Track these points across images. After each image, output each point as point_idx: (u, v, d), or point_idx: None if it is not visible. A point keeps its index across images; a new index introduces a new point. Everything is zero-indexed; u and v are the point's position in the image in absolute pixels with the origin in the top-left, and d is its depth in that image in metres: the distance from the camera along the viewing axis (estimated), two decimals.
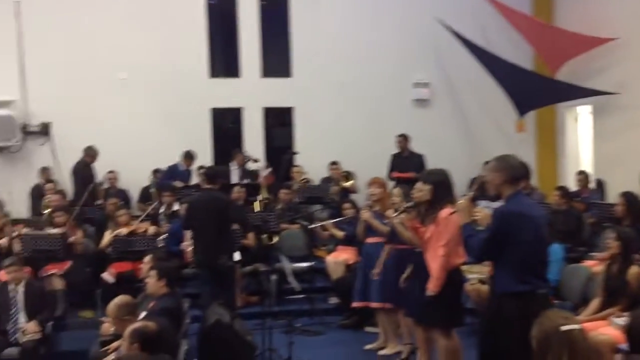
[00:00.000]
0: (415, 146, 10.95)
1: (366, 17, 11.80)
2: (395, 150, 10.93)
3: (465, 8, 11.78)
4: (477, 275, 6.87)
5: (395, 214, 5.93)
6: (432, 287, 5.32)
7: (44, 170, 10.37)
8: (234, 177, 10.48)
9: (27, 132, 10.73)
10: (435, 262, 5.33)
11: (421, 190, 5.57)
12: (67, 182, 10.47)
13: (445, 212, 5.16)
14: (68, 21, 10.83)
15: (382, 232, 6.78)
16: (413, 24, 11.82)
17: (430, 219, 5.44)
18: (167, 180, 10.38)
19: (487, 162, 11.21)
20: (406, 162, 10.70)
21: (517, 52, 11.66)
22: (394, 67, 11.82)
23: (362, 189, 10.49)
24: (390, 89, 11.85)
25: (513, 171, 4.54)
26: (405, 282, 5.94)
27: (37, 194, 10.11)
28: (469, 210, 4.73)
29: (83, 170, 10.23)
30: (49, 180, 9.97)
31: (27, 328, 6.62)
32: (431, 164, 10.40)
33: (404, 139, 10.89)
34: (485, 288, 6.63)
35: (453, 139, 12.01)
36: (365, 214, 6.94)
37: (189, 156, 10.75)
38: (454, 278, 5.45)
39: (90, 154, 10.29)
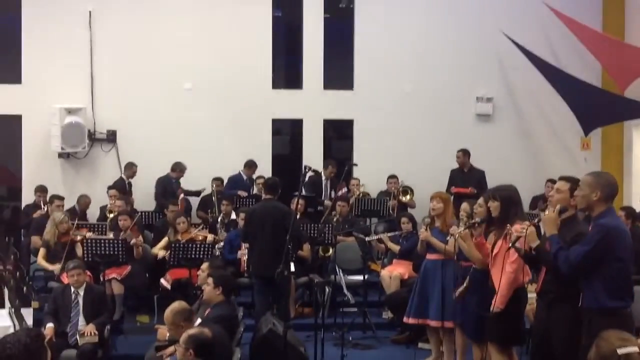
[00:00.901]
0: (476, 162, 10.78)
1: (429, 30, 11.72)
2: (456, 165, 10.78)
3: (531, 21, 11.60)
4: (533, 294, 6.69)
5: (461, 229, 5.85)
6: (498, 303, 5.27)
7: (131, 166, 10.62)
8: (324, 191, 10.54)
9: (94, 139, 11.04)
10: (503, 278, 5.25)
11: (481, 207, 5.57)
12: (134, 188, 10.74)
13: (516, 228, 5.06)
14: (136, 31, 11.12)
15: (442, 249, 6.68)
16: (477, 37, 11.68)
17: (498, 235, 5.36)
18: (230, 189, 10.48)
19: (550, 180, 11.04)
20: (466, 178, 10.56)
21: (585, 68, 11.39)
22: (457, 81, 11.68)
23: (420, 204, 10.44)
24: (452, 103, 11.72)
25: (610, 189, 4.56)
26: (460, 298, 5.84)
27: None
28: (556, 223, 4.65)
29: (166, 184, 10.50)
30: (111, 187, 10.22)
31: (85, 331, 6.78)
32: (492, 180, 10.24)
33: (464, 154, 10.74)
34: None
35: (515, 155, 11.77)
36: (424, 234, 6.83)
37: (251, 165, 10.83)
38: (518, 295, 5.40)
39: (178, 170, 10.58)
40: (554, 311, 4.77)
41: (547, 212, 4.75)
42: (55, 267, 8.34)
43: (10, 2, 11.06)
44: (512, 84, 11.96)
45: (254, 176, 10.88)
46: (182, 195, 10.48)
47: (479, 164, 10.77)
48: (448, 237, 6.47)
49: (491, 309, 5.29)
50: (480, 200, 6.02)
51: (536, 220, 4.88)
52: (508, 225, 5.14)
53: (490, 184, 10.28)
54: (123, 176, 10.64)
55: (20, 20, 10.98)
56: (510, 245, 4.94)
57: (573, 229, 4.72)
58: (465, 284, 5.83)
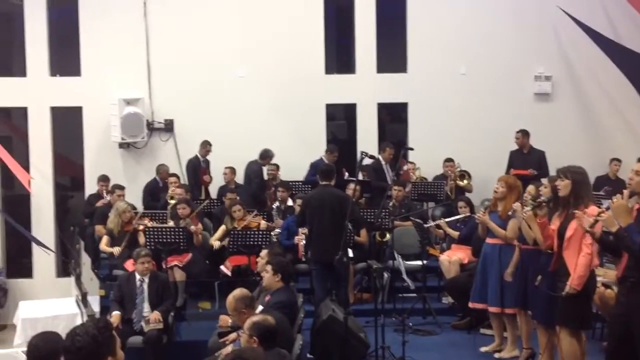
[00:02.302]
0: (536, 142, 10.54)
1: (485, 8, 11.45)
2: (515, 147, 10.57)
3: None
4: (600, 279, 6.54)
5: (526, 210, 5.75)
6: (575, 284, 5.15)
7: (205, 145, 10.78)
8: (386, 174, 10.48)
9: (152, 128, 11.24)
10: (581, 259, 5.14)
11: (546, 187, 5.53)
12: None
13: (592, 210, 4.93)
14: (190, 20, 11.23)
15: (500, 234, 6.59)
16: (534, 13, 11.38)
17: (565, 216, 5.25)
18: (312, 176, 10.45)
19: (614, 159, 10.73)
20: (526, 159, 10.32)
21: None
22: (514, 60, 11.41)
23: (478, 187, 10.29)
24: (509, 82, 11.45)
25: None
26: (536, 284, 5.72)
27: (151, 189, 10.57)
28: (627, 210, 4.53)
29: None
30: (172, 174, 10.39)
31: (151, 318, 6.94)
32: (552, 161, 10.02)
33: (523, 134, 10.50)
34: (609, 292, 6.33)
35: (576, 135, 11.45)
36: (481, 217, 6.75)
37: (332, 150, 10.80)
38: (590, 280, 5.30)
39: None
40: (635, 297, 4.64)
41: (615, 199, 4.57)
42: (115, 249, 8.55)
43: None
44: (570, 60, 11.62)
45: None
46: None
47: (539, 145, 10.52)
48: (510, 214, 6.36)
49: (566, 290, 5.17)
50: (545, 181, 5.92)
51: (605, 207, 4.72)
52: (581, 208, 5.01)
53: (550, 164, 10.06)
54: (198, 154, 10.77)
55: (77, 14, 11.21)
56: (587, 228, 4.79)
57: None
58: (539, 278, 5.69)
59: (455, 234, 8.44)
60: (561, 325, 5.39)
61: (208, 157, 10.92)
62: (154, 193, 10.48)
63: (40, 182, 11.03)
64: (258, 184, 10.48)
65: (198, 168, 10.71)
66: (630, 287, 4.70)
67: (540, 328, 6.05)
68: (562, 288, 5.23)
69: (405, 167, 10.53)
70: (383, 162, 10.53)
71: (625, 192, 4.65)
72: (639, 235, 4.39)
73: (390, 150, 10.63)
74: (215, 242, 8.92)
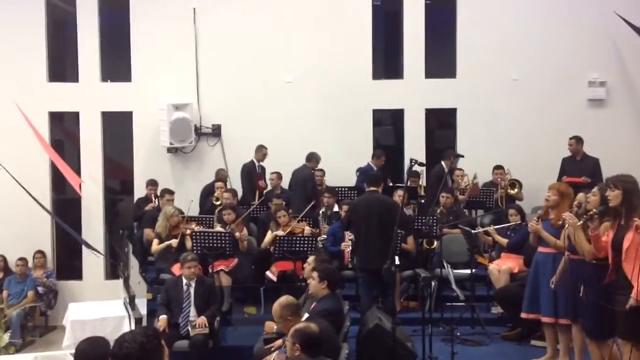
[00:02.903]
0: (589, 149, 10.25)
1: (537, 11, 11.22)
2: (567, 154, 10.30)
3: None
4: None
5: (581, 221, 5.61)
6: (638, 296, 4.95)
7: (260, 149, 10.77)
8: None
9: (200, 133, 11.32)
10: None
11: (595, 195, 5.47)
12: (235, 181, 10.92)
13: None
14: (238, 26, 11.29)
15: (553, 243, 6.41)
16: (588, 17, 11.11)
17: (624, 227, 5.10)
18: (361, 182, 10.32)
19: None
20: (579, 166, 10.04)
21: None
22: (567, 64, 11.15)
23: (529, 195, 10.06)
24: (562, 88, 11.19)
25: None
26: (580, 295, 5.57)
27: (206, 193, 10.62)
28: None
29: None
30: (219, 179, 10.43)
31: (197, 322, 6.96)
32: (606, 168, 9.72)
33: (577, 141, 10.22)
34: None
35: (631, 141, 11.11)
36: (533, 227, 6.58)
37: (379, 156, 10.70)
38: None
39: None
40: None
41: None
42: (172, 241, 8.61)
43: (118, 3, 11.49)
44: (626, 66, 11.31)
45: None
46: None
47: (593, 152, 10.23)
48: (561, 223, 6.20)
49: (631, 302, 4.99)
50: (595, 190, 5.73)
51: None
52: (634, 217, 4.84)
53: (604, 172, 9.76)
54: (254, 159, 10.76)
55: (129, 20, 11.39)
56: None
57: None
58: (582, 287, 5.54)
59: (504, 241, 8.25)
60: (623, 337, 5.19)
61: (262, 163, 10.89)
62: (208, 195, 10.49)
63: (90, 185, 11.24)
64: (312, 188, 10.40)
65: (253, 173, 10.69)
66: None
67: (593, 341, 5.86)
68: (622, 301, 5.05)
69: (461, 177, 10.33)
70: (446, 169, 10.30)
71: None
72: None
73: (454, 159, 10.39)
74: (266, 245, 8.89)
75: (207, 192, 10.56)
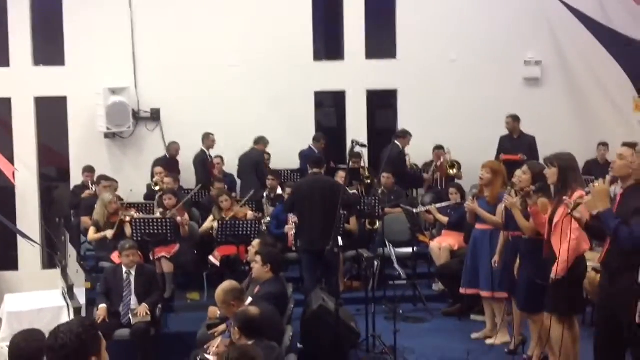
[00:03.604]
0: (526, 127, 10.47)
1: None
2: (505, 132, 10.50)
3: None
4: (591, 263, 6.49)
5: (516, 198, 5.74)
6: (560, 271, 5.14)
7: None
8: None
9: (138, 117, 11.09)
10: (564, 245, 5.07)
11: (525, 174, 5.66)
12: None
13: (578, 194, 4.88)
14: (176, 8, 11.07)
15: (491, 220, 6.54)
16: None
17: (557, 203, 5.21)
18: (305, 165, 10.28)
19: (601, 144, 10.73)
20: (516, 144, 10.26)
21: (637, 27, 10.89)
22: (504, 44, 11.35)
23: (468, 173, 10.21)
24: (499, 67, 11.38)
25: None
26: (518, 271, 5.72)
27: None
28: (608, 195, 4.49)
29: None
30: (157, 164, 10.25)
31: (138, 311, 6.84)
32: (542, 146, 9.98)
33: (514, 119, 10.42)
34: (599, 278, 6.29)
35: (566, 119, 11.43)
36: (470, 205, 6.71)
37: (319, 139, 10.67)
38: (579, 265, 5.26)
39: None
40: (617, 282, 4.60)
41: (596, 184, 4.52)
42: (107, 232, 8.43)
43: None
44: (561, 45, 11.58)
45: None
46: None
47: (529, 130, 10.46)
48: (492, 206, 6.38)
49: (552, 276, 5.16)
50: (525, 168, 5.88)
51: (585, 191, 4.67)
52: (568, 194, 4.96)
53: (540, 149, 10.01)
54: (203, 148, 10.61)
55: (61, 2, 11.03)
56: (568, 212, 4.76)
57: (638, 198, 4.49)
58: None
59: (444, 219, 8.38)
60: (550, 311, 5.35)
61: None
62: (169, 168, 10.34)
63: (24, 173, 10.89)
64: (264, 171, 10.32)
65: (206, 161, 10.54)
66: (612, 273, 4.68)
67: (527, 315, 6.04)
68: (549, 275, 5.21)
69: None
70: (401, 148, 10.34)
71: (608, 176, 4.59)
72: (614, 221, 4.35)
73: (410, 137, 10.46)
74: (208, 224, 8.79)
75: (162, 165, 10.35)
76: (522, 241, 5.84)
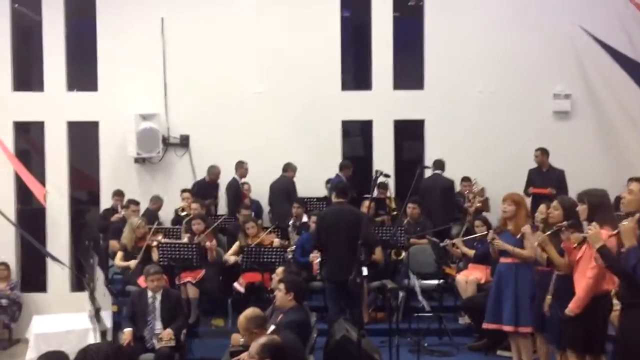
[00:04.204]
0: (555, 161, 10.40)
1: (503, 25, 11.36)
2: (533, 165, 10.43)
3: (609, 14, 11.14)
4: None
5: (546, 233, 5.70)
6: (573, 306, 5.13)
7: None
8: None
9: (167, 143, 11.24)
10: (582, 282, 5.10)
11: (556, 209, 5.63)
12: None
13: (603, 234, 4.84)
14: (206, 37, 11.25)
15: (519, 255, 6.47)
16: (554, 31, 11.27)
17: (582, 240, 5.18)
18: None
19: (631, 179, 10.57)
20: (545, 178, 10.18)
21: None
22: (533, 76, 11.31)
23: (496, 206, 10.12)
24: (528, 100, 11.34)
25: None
26: (549, 307, 5.66)
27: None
28: (635, 233, 4.46)
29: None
30: (185, 190, 10.35)
31: (163, 335, 6.87)
32: (572, 180, 9.89)
33: (542, 153, 10.36)
34: None
35: (596, 153, 11.30)
36: (491, 236, 6.66)
37: (347, 166, 10.68)
38: (601, 303, 5.21)
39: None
40: (629, 317, 4.58)
41: (626, 222, 4.50)
42: (131, 263, 8.50)
43: (85, 11, 11.37)
44: (590, 79, 11.50)
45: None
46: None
47: (558, 163, 10.38)
48: (517, 236, 6.32)
49: (566, 311, 5.18)
50: (555, 203, 5.82)
51: (615, 232, 4.64)
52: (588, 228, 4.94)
53: (570, 183, 9.94)
54: (236, 176, 10.64)
55: (95, 29, 11.30)
56: (574, 245, 4.75)
57: None
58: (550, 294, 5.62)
59: (471, 252, 8.30)
60: (568, 347, 5.33)
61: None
62: (201, 192, 10.48)
63: (55, 196, 11.08)
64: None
65: (239, 189, 10.58)
66: (622, 309, 4.67)
67: (557, 351, 5.95)
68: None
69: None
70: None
71: (637, 215, 4.57)
72: (634, 259, 4.31)
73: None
74: (230, 258, 8.85)
75: (199, 188, 10.52)
76: (557, 277, 5.76)
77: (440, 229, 9.28)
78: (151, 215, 10.08)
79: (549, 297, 5.74)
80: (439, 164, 10.32)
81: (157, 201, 10.51)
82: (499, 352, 7.41)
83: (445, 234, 9.03)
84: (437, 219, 9.62)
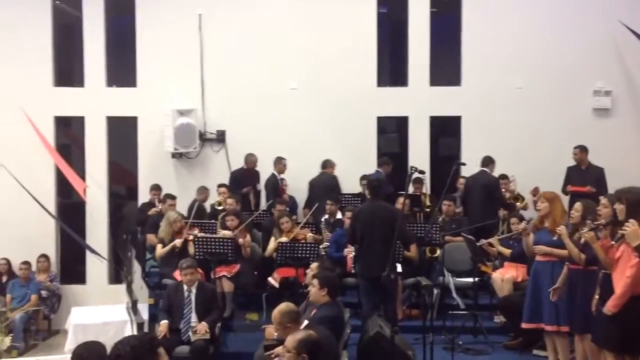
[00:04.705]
0: (594, 159, 10.22)
1: (543, 20, 11.21)
2: (572, 163, 10.26)
3: None
4: None
5: (585, 230, 5.66)
6: (610, 306, 5.08)
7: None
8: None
9: (204, 139, 11.34)
10: (621, 281, 5.04)
11: (606, 207, 5.50)
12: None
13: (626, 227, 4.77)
14: (243, 33, 11.33)
15: (561, 255, 6.38)
16: (594, 26, 11.09)
17: (622, 239, 5.10)
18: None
19: None
20: (584, 176, 10.00)
21: None
22: (572, 73, 11.12)
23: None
24: (567, 96, 11.18)
25: None
26: (595, 306, 5.58)
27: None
28: None
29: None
30: (221, 185, 10.43)
31: (198, 328, 6.95)
32: (611, 178, 9.70)
33: (581, 150, 10.17)
34: None
35: (636, 151, 11.06)
36: (523, 226, 6.68)
37: (387, 163, 10.68)
38: (636, 303, 5.09)
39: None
40: None
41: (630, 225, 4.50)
42: (177, 241, 8.60)
43: (124, 8, 11.53)
44: (631, 75, 11.29)
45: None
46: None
47: (598, 161, 10.19)
48: (554, 237, 6.26)
49: (604, 310, 5.12)
50: (605, 201, 5.73)
51: None
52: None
53: (609, 181, 9.74)
54: (274, 172, 10.71)
55: (135, 25, 11.44)
56: (612, 243, 4.77)
57: None
58: (597, 294, 5.53)
59: (507, 251, 8.23)
60: (604, 347, 5.29)
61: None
62: (240, 180, 10.60)
63: (95, 190, 11.28)
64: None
65: (277, 185, 10.63)
66: None
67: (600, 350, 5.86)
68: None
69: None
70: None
71: None
72: None
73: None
74: (271, 252, 8.89)
75: (235, 177, 10.62)
76: (603, 276, 5.68)
77: (478, 226, 9.17)
78: (197, 206, 10.23)
79: (596, 297, 5.64)
80: (486, 161, 10.21)
81: (203, 191, 10.62)
82: (534, 352, 7.33)
83: (485, 231, 8.91)
84: (478, 216, 9.51)
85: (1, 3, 11.30)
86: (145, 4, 11.40)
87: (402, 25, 11.58)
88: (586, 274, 5.81)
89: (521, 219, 8.39)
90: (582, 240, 5.76)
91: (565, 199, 8.85)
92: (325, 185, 10.49)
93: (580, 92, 11.19)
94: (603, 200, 5.79)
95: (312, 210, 9.71)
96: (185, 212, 9.66)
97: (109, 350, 3.90)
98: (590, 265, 5.85)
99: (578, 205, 6.24)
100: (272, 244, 8.94)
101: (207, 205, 10.54)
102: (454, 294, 7.89)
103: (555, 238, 6.41)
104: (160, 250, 8.82)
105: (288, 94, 11.33)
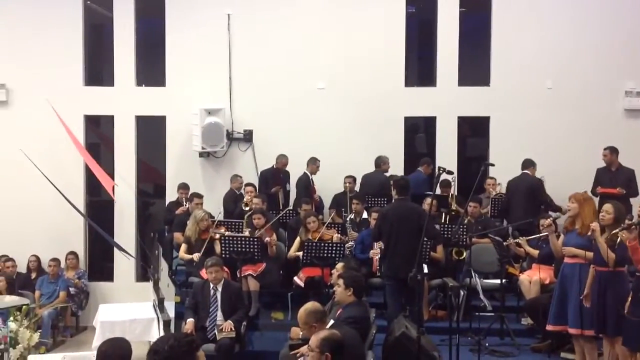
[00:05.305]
0: (625, 160, 10.05)
1: (572, 20, 11.09)
2: (602, 164, 10.11)
3: None
4: None
5: (616, 231, 5.62)
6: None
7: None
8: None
9: (231, 138, 11.39)
10: None
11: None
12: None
13: None
14: (271, 33, 11.37)
15: (579, 254, 6.32)
16: (624, 27, 10.95)
17: None
18: (415, 189, 10.10)
19: None
20: (614, 177, 9.84)
21: None
22: (603, 74, 10.98)
23: (563, 205, 9.88)
24: (598, 98, 11.02)
25: None
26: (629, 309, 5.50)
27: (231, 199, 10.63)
28: None
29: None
30: (249, 184, 10.47)
31: (224, 326, 6.99)
32: None
33: (612, 151, 10.00)
34: None
35: None
36: (548, 223, 6.70)
37: (428, 163, 10.65)
38: None
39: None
40: None
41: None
42: (195, 256, 8.65)
43: (154, 9, 11.64)
44: None
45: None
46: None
47: (628, 162, 10.03)
48: (583, 238, 6.19)
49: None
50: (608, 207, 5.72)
51: None
52: None
53: None
54: (307, 172, 10.71)
55: (164, 25, 11.54)
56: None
57: None
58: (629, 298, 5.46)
59: (535, 252, 8.14)
60: (635, 350, 5.16)
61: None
62: (268, 180, 10.66)
63: (124, 188, 11.39)
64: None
65: (309, 186, 10.61)
66: None
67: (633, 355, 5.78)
68: None
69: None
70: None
71: None
72: None
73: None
74: (294, 253, 8.90)
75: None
76: (637, 278, 5.62)
77: (514, 226, 9.06)
78: (232, 194, 10.38)
79: (629, 299, 5.57)
80: (527, 163, 10.09)
81: (236, 179, 10.69)
82: (562, 354, 7.24)
83: (526, 234, 8.80)
84: (518, 218, 9.43)
85: (33, 3, 11.48)
86: (175, 4, 11.49)
87: (431, 25, 11.52)
88: (615, 276, 5.73)
89: (552, 221, 8.30)
90: (618, 240, 5.67)
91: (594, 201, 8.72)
92: (378, 185, 10.41)
93: (611, 92, 11.03)
94: (606, 206, 5.78)
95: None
96: (212, 211, 9.70)
97: (134, 347, 3.96)
98: (619, 266, 5.77)
99: (608, 206, 6.14)
100: (296, 243, 8.94)
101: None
102: (481, 296, 7.82)
103: (583, 239, 6.33)
104: (182, 253, 8.91)
105: (316, 93, 11.33)
